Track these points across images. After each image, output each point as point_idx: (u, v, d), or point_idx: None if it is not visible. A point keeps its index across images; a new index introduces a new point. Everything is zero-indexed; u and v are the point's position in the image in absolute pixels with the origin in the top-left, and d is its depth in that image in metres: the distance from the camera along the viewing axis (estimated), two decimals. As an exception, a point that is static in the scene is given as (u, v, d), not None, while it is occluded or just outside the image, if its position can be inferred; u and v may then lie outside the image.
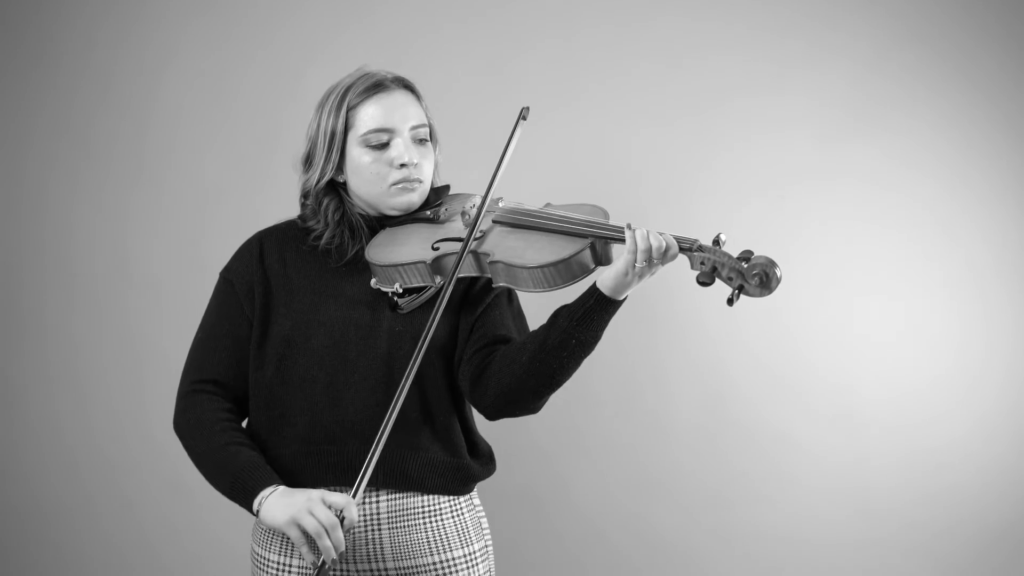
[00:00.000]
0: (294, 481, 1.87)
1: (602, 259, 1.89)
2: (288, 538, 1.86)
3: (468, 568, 1.94)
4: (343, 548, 1.76)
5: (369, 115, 1.93)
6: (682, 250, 1.77)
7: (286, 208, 2.14)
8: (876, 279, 2.99)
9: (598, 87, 3.01)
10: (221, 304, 2.00)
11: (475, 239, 1.93)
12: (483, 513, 2.03)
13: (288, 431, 1.91)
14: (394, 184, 1.95)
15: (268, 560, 1.94)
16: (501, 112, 2.46)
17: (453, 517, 1.95)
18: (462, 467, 1.95)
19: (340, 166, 1.97)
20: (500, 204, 2.00)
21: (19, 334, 3.12)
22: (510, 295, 2.03)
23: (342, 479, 1.88)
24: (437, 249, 1.95)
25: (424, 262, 1.94)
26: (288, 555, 1.92)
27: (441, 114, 2.08)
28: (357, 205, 2.00)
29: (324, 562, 1.75)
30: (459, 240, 1.95)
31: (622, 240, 1.81)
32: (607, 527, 3.02)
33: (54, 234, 3.11)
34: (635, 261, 1.76)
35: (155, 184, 3.10)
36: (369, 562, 1.91)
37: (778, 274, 1.73)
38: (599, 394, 2.99)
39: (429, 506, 1.93)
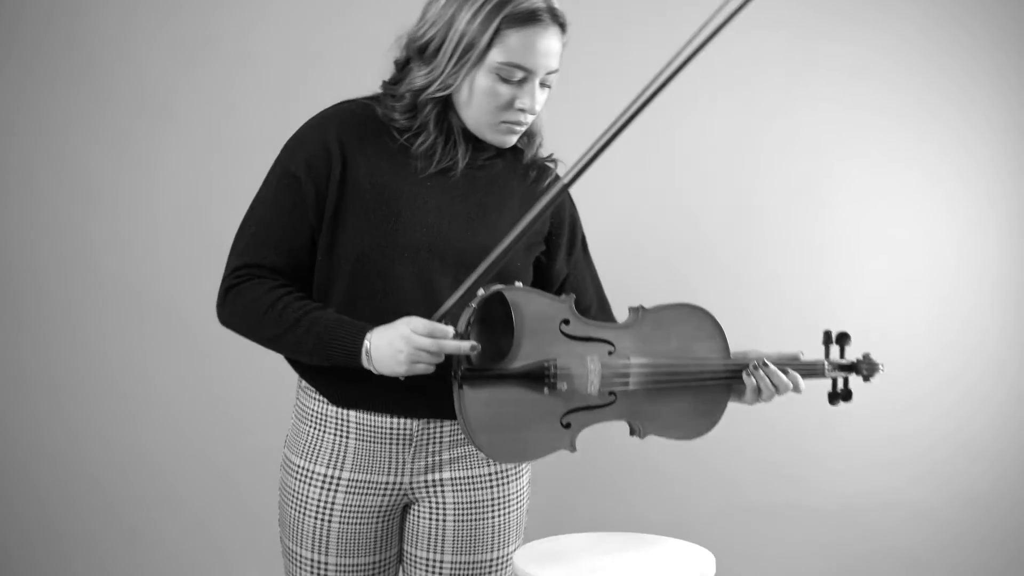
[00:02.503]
0: (365, 401, 1.81)
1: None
2: (334, 449, 1.81)
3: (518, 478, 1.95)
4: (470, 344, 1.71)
5: (516, 46, 1.72)
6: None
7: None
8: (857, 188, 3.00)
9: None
10: (281, 197, 1.79)
11: (606, 405, 1.87)
12: None
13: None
14: (503, 122, 1.79)
15: (314, 472, 1.84)
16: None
17: None
18: None
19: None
20: (631, 362, 1.88)
21: (20, 332, 3.09)
22: (584, 247, 2.03)
23: (413, 409, 1.81)
24: (569, 426, 1.85)
25: (564, 448, 1.86)
26: (335, 466, 1.83)
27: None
28: (459, 119, 1.83)
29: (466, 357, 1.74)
30: (590, 408, 1.85)
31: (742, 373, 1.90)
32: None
33: (56, 232, 3.07)
34: (755, 400, 1.87)
35: (156, 184, 3.06)
36: (426, 473, 1.86)
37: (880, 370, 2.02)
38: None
39: None
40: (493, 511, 1.90)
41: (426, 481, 1.86)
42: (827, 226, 3.02)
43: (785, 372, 1.88)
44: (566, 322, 1.85)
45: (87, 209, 3.07)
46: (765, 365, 1.88)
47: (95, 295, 3.07)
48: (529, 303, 1.83)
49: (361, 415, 1.82)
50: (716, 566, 1.89)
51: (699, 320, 1.94)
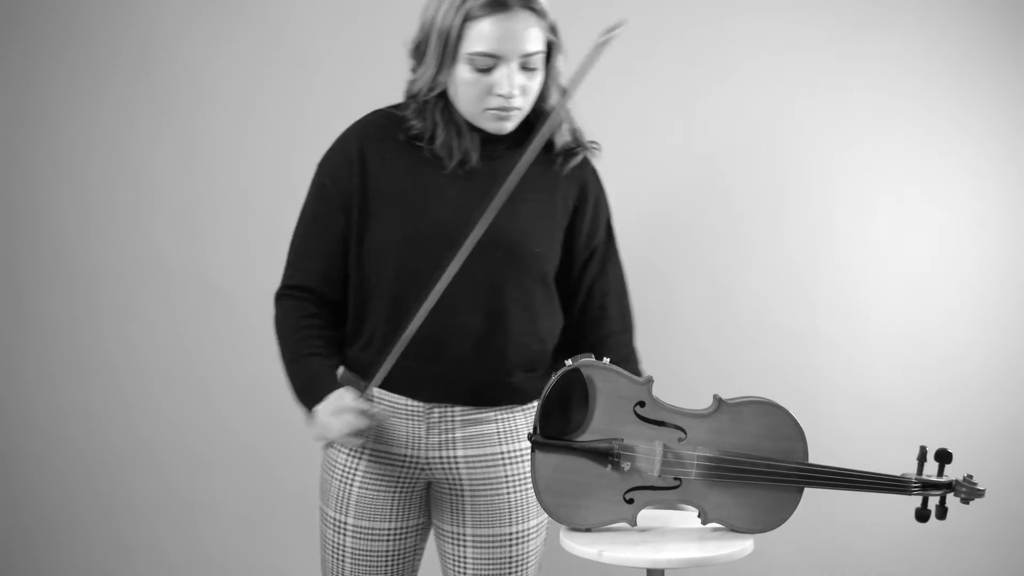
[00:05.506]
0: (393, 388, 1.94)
1: None
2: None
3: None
4: (359, 428, 1.85)
5: (482, 34, 1.80)
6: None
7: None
8: (884, 177, 2.82)
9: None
10: (316, 208, 1.97)
11: (670, 488, 1.92)
12: None
13: (367, 343, 1.94)
14: (489, 109, 1.85)
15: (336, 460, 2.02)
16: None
17: (525, 416, 2.02)
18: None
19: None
20: (696, 453, 1.93)
21: (22, 330, 3.14)
22: (610, 235, 2.06)
23: (427, 393, 1.93)
24: (632, 501, 1.93)
25: (625, 521, 1.93)
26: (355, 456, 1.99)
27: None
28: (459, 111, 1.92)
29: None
30: (654, 488, 1.92)
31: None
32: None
33: (58, 231, 3.11)
34: None
35: (159, 186, 3.08)
36: (440, 449, 1.96)
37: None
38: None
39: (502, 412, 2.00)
40: (508, 487, 1.99)
41: (441, 458, 1.97)
42: (863, 212, 2.83)
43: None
44: (641, 404, 1.92)
45: (92, 205, 3.11)
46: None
47: (99, 294, 3.14)
48: (607, 380, 1.92)
49: (382, 391, 1.97)
50: (754, 540, 1.94)
51: (780, 420, 1.94)
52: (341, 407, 1.85)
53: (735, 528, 1.96)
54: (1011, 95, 2.81)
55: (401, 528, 2.01)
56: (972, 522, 2.61)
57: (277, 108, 3.02)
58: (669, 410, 1.93)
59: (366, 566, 2.00)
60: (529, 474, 1.98)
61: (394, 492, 1.99)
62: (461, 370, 1.92)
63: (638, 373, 2.02)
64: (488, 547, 2.00)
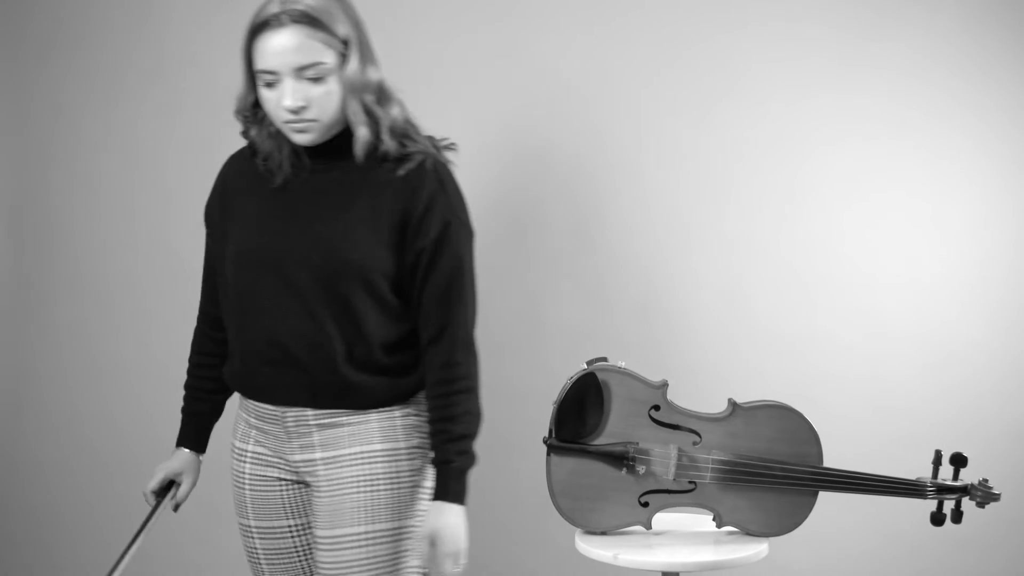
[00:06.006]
0: (244, 389, 2.01)
1: None
2: (246, 426, 2.03)
3: (394, 461, 1.94)
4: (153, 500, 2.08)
5: (260, 52, 1.85)
6: None
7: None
8: (897, 178, 2.72)
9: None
10: (206, 237, 2.10)
11: (685, 491, 1.94)
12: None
13: (232, 356, 2.02)
14: (286, 123, 1.87)
15: (235, 446, 2.07)
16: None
17: (379, 420, 1.94)
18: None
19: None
20: (710, 456, 1.95)
21: (38, 333, 3.11)
22: (445, 251, 1.91)
23: (278, 397, 1.95)
24: (647, 505, 1.94)
25: (640, 524, 1.96)
26: (246, 441, 2.04)
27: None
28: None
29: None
30: (669, 492, 1.93)
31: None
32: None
33: (73, 234, 3.08)
34: None
35: (174, 188, 3.03)
36: (303, 452, 1.97)
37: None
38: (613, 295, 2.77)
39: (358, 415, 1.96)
40: (356, 487, 1.94)
41: (304, 460, 1.99)
42: (878, 216, 2.81)
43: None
44: (656, 408, 1.93)
45: (102, 205, 3.07)
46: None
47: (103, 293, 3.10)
48: (623, 384, 1.92)
49: (248, 400, 2.03)
50: (768, 543, 1.95)
51: (795, 424, 1.95)
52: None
53: (750, 532, 1.96)
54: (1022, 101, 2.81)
55: (300, 524, 2.04)
56: (988, 526, 2.60)
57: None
58: (684, 414, 1.94)
59: (280, 564, 2.05)
60: (381, 476, 1.91)
61: (282, 491, 2.04)
62: (301, 374, 1.92)
63: (453, 405, 1.88)
64: (336, 549, 1.95)
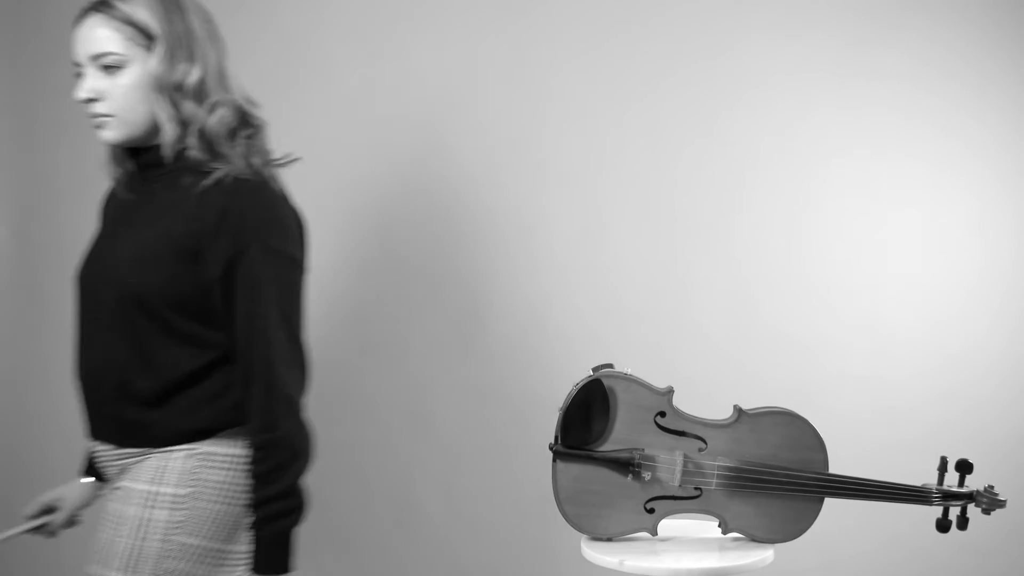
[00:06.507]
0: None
1: None
2: None
3: (148, 507, 1.72)
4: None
5: (71, 46, 1.75)
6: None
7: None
8: (900, 185, 2.73)
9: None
10: None
11: (691, 497, 1.94)
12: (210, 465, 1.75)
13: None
14: (91, 120, 1.76)
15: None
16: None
17: (157, 460, 1.73)
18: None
19: None
20: (715, 462, 1.95)
21: (47, 338, 3.14)
22: (248, 277, 1.69)
23: (92, 432, 1.80)
24: (653, 511, 1.95)
25: (646, 530, 1.96)
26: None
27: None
28: None
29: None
30: (675, 498, 1.94)
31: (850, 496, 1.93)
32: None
33: (82, 239, 3.13)
34: None
35: None
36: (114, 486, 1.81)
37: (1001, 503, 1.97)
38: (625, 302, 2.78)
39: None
40: (106, 524, 1.77)
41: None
42: (884, 223, 2.82)
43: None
44: (662, 414, 1.93)
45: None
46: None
47: None
48: (628, 390, 1.93)
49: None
50: (774, 550, 1.95)
51: (800, 430, 1.96)
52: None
53: (755, 538, 1.97)
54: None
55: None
56: (994, 532, 2.61)
57: (301, 116, 3.04)
58: (689, 420, 1.95)
59: None
60: (128, 519, 1.74)
61: None
62: (95, 406, 1.78)
63: (259, 461, 1.72)
64: None
